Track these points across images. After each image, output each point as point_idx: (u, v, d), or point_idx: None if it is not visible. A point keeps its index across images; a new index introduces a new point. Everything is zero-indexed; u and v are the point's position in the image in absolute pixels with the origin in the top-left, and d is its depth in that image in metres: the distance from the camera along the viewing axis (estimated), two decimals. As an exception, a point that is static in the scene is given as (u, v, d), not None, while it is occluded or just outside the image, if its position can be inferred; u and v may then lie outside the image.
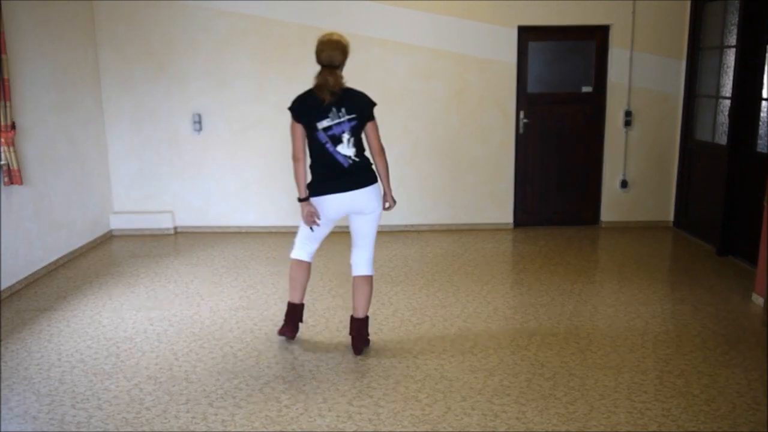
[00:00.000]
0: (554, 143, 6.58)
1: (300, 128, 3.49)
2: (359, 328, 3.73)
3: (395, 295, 4.74)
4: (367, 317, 3.76)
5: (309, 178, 3.62)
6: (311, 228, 3.65)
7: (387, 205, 3.70)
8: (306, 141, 3.52)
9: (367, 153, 3.62)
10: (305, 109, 3.47)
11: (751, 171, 5.25)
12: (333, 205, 3.56)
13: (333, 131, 3.45)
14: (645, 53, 6.35)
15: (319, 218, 3.59)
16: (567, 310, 4.40)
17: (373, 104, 3.55)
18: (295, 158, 3.53)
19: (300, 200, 3.59)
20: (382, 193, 3.67)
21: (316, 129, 3.45)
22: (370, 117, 3.52)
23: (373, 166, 3.63)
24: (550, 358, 3.67)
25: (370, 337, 3.89)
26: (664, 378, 3.43)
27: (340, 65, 3.47)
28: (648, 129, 6.51)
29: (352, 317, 3.76)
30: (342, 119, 3.44)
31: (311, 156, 3.57)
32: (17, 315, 4.43)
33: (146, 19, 6.24)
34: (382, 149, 3.59)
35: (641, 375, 3.46)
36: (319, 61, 3.46)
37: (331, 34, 3.51)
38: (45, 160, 5.34)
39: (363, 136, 3.58)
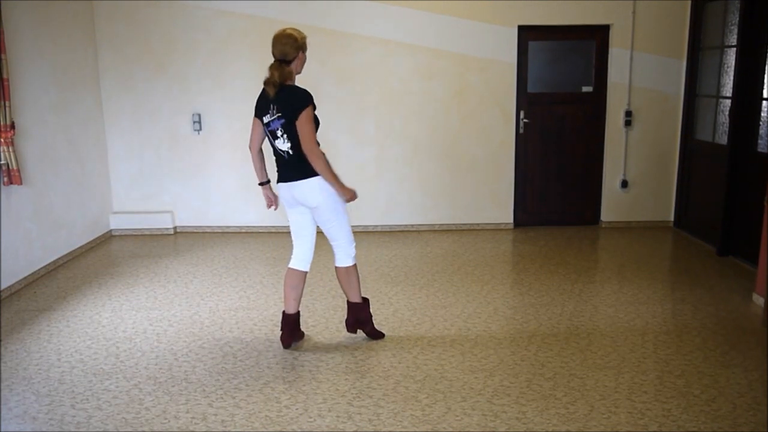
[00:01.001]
0: (554, 143, 6.58)
1: (256, 121, 3.66)
2: (350, 310, 3.88)
3: (395, 295, 4.73)
4: (359, 303, 3.84)
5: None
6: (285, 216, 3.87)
7: (346, 198, 3.61)
8: (261, 134, 3.69)
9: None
10: (258, 104, 3.63)
11: (752, 171, 5.25)
12: (280, 192, 3.72)
13: (271, 127, 3.55)
14: (645, 53, 6.35)
15: (275, 203, 3.89)
16: (567, 310, 4.39)
17: (304, 106, 3.42)
18: (249, 148, 3.78)
19: (259, 185, 3.86)
20: (330, 187, 3.57)
21: (263, 123, 3.59)
22: (295, 117, 3.44)
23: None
24: (550, 359, 3.66)
25: (369, 331, 3.94)
26: (664, 378, 3.42)
27: (294, 60, 3.53)
28: (648, 129, 6.50)
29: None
30: (274, 116, 3.51)
31: None
32: (17, 315, 4.42)
33: (146, 19, 6.23)
34: (311, 150, 3.46)
35: (641, 375, 3.46)
36: (273, 54, 3.54)
37: (286, 28, 3.57)
38: (45, 160, 5.34)
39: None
